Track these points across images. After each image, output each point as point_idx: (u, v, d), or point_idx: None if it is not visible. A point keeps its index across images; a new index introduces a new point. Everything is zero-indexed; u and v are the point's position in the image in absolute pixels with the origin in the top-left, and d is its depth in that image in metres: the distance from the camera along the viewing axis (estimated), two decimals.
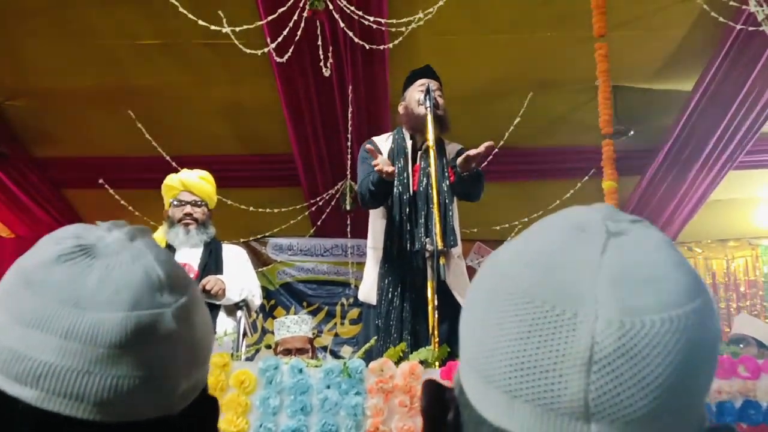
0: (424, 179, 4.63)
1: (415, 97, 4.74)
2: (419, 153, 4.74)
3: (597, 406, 0.75)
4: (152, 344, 1.01)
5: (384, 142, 4.90)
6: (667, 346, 0.77)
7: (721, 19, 6.48)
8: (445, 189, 4.62)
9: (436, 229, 4.29)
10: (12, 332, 1.00)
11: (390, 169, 4.42)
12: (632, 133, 8.55)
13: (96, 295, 1.00)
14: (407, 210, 4.60)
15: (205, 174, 5.36)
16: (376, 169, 4.40)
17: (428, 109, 4.51)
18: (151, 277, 1.03)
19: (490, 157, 4.50)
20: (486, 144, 4.43)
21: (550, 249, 0.82)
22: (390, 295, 4.59)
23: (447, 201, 4.61)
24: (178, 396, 1.05)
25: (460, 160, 4.49)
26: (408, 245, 4.55)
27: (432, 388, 0.90)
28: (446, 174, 4.67)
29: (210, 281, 4.89)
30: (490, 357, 0.80)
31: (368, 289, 4.75)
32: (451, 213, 4.63)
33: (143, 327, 1.00)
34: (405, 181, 4.65)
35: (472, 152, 4.43)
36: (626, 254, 0.80)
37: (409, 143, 4.78)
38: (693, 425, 0.80)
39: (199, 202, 5.24)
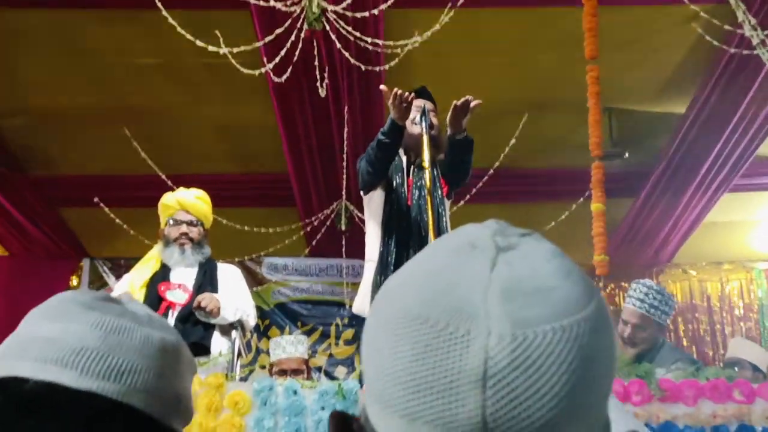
0: (416, 192, 4.69)
1: (410, 116, 4.77)
2: (412, 168, 4.77)
3: (495, 421, 0.75)
4: (189, 366, 1.27)
5: None
6: (560, 356, 0.77)
7: (715, 43, 6.52)
8: (438, 200, 4.64)
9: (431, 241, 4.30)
10: (93, 335, 1.16)
11: (407, 93, 4.45)
12: (627, 155, 8.57)
13: (151, 321, 1.23)
14: (402, 223, 4.62)
15: (201, 194, 5.36)
16: (392, 96, 4.43)
17: (424, 129, 4.53)
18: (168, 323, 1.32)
19: (469, 113, 4.54)
20: (469, 98, 4.51)
21: (440, 269, 0.82)
22: None
23: (441, 211, 4.64)
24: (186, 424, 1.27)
25: (449, 116, 4.56)
26: (403, 257, 4.56)
27: (338, 420, 0.89)
28: (438, 185, 4.69)
29: (206, 298, 4.87)
30: (387, 382, 0.80)
31: (361, 302, 4.76)
32: (445, 222, 4.65)
33: (187, 354, 1.27)
34: (403, 195, 4.68)
35: (458, 102, 4.51)
36: (516, 268, 0.80)
37: (404, 158, 4.81)
38: (595, 431, 0.81)
39: (195, 222, 5.24)
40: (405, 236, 4.63)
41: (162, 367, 1.18)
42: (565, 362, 0.77)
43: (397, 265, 4.58)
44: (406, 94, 4.47)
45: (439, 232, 4.54)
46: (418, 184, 4.69)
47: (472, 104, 4.54)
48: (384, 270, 4.64)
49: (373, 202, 4.81)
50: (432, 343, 0.78)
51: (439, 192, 4.70)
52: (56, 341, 1.14)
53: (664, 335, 5.46)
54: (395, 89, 4.46)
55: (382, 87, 4.65)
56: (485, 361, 0.76)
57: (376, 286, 4.66)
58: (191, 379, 1.28)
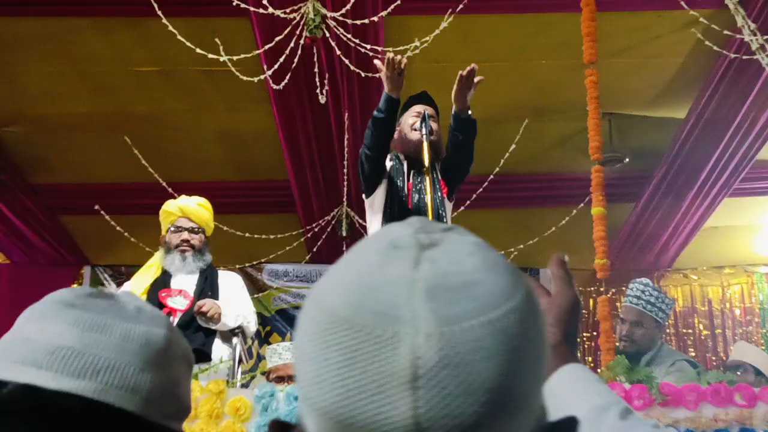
0: (416, 195, 4.71)
1: (409, 122, 4.80)
2: (412, 172, 4.79)
3: (428, 420, 0.75)
4: (181, 360, 1.23)
5: (387, 160, 4.93)
6: (489, 350, 0.77)
7: (715, 48, 6.52)
8: (438, 202, 4.64)
9: None
10: (69, 333, 1.14)
11: (398, 58, 4.48)
12: (627, 160, 8.58)
13: (139, 315, 1.20)
14: None
15: (203, 201, 5.37)
16: (385, 64, 4.46)
17: (424, 135, 4.53)
18: (168, 318, 1.27)
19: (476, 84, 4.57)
20: (474, 66, 4.59)
21: (364, 271, 0.82)
22: None
23: (441, 213, 4.66)
24: (182, 421, 1.24)
25: (455, 90, 4.60)
26: None
27: (276, 428, 0.90)
28: (438, 186, 4.71)
29: (207, 303, 4.88)
30: (319, 388, 0.79)
31: None
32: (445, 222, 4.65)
33: (177, 345, 1.22)
34: (404, 199, 4.69)
35: (464, 72, 4.56)
36: (439, 264, 0.80)
37: (405, 163, 4.81)
38: (530, 422, 0.81)
39: (197, 229, 5.25)
40: None
41: (145, 362, 1.15)
42: (494, 356, 0.77)
43: None
44: (398, 58, 4.48)
45: None
46: (418, 187, 4.72)
47: (476, 79, 4.56)
48: None
49: (375, 205, 4.82)
50: (360, 348, 0.77)
51: (439, 194, 4.72)
52: (34, 342, 1.13)
53: (662, 335, 5.47)
54: (387, 55, 4.48)
55: (377, 62, 4.66)
56: (414, 362, 0.75)
57: None
58: (185, 372, 1.25)
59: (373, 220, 4.85)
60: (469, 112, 4.65)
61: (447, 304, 0.77)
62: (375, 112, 4.61)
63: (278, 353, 6.00)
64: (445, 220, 4.67)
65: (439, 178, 4.79)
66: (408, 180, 4.80)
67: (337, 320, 0.80)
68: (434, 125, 4.73)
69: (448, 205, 4.84)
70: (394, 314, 0.77)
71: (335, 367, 0.78)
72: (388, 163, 4.87)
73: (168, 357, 1.19)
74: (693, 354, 10.76)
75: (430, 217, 4.37)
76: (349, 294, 0.81)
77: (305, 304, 0.87)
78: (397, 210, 4.69)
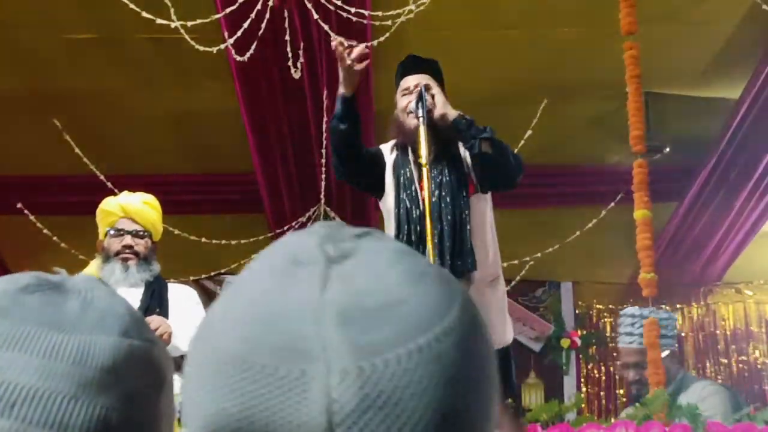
0: (436, 191, 4.61)
1: (402, 104, 4.73)
2: (430, 160, 4.72)
3: None
4: (143, 378, 1.04)
5: (389, 151, 4.89)
6: (421, 383, 0.74)
7: None
8: (462, 203, 4.61)
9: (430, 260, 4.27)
10: None
11: (353, 48, 4.47)
12: (668, 149, 8.59)
13: (80, 319, 1.03)
14: (416, 228, 4.59)
15: (149, 198, 5.37)
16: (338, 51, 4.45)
17: (421, 120, 4.49)
18: (134, 311, 1.08)
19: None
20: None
21: (261, 297, 0.79)
22: None
23: (464, 216, 4.60)
24: None
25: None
26: None
27: None
28: (461, 182, 4.65)
29: (155, 321, 4.87)
30: None
31: None
32: (468, 230, 4.59)
33: (136, 356, 1.04)
34: (413, 194, 4.64)
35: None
36: (353, 282, 0.78)
37: (411, 156, 4.72)
38: None
39: (142, 233, 5.24)
40: (419, 248, 4.54)
41: (79, 386, 1.00)
42: (428, 390, 0.74)
43: None
44: (352, 49, 4.45)
45: (461, 241, 4.52)
46: (438, 180, 4.63)
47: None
48: None
49: (386, 209, 4.81)
50: (261, 394, 0.75)
51: (463, 192, 4.64)
52: None
53: (680, 365, 5.51)
54: (338, 40, 4.47)
55: (333, 43, 4.59)
56: (328, 407, 0.73)
57: None
58: (155, 391, 1.08)
59: (388, 228, 4.83)
60: (458, 119, 4.56)
61: (365, 331, 0.75)
62: (332, 120, 4.61)
63: None
64: (468, 227, 4.59)
65: (467, 166, 4.70)
66: (420, 175, 4.72)
67: (230, 360, 0.77)
68: (439, 98, 4.63)
69: (478, 204, 4.73)
70: (301, 349, 0.75)
71: (231, 420, 0.76)
72: (390, 156, 4.84)
73: (119, 375, 1.02)
74: (747, 385, 10.79)
75: (429, 224, 4.34)
76: (244, 327, 0.78)
77: (195, 334, 0.84)
78: (405, 213, 4.63)
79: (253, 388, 0.75)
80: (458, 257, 4.51)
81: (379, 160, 4.83)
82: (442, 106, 4.54)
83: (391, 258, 0.81)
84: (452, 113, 4.53)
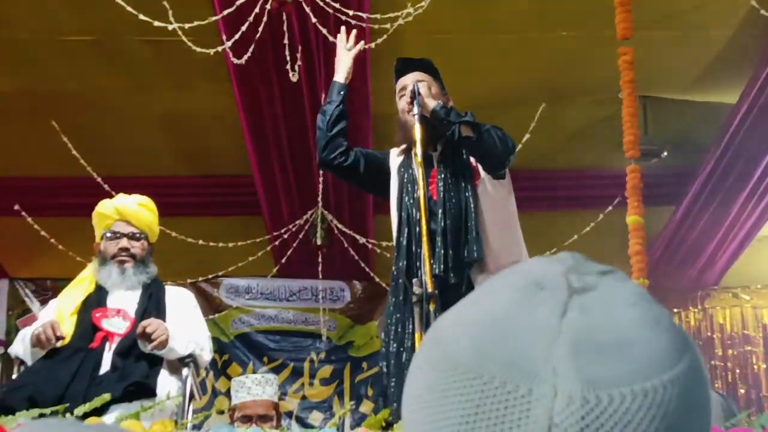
0: (442, 187, 4.62)
1: (401, 105, 4.76)
2: (437, 155, 4.73)
3: None
4: None
5: (397, 154, 4.90)
6: (641, 425, 0.76)
7: None
8: (467, 194, 4.59)
9: (425, 267, 4.26)
10: None
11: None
12: (665, 154, 8.61)
13: None
14: (417, 230, 4.55)
15: (144, 200, 5.36)
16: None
17: (416, 116, 4.50)
18: None
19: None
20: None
21: (499, 313, 0.81)
22: (395, 337, 4.58)
23: (469, 205, 4.58)
24: None
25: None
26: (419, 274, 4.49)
27: None
28: (466, 173, 4.65)
29: (152, 323, 4.85)
30: None
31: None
32: (473, 218, 4.56)
33: None
34: (416, 196, 4.58)
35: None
36: (591, 315, 0.79)
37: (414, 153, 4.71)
38: None
39: (138, 235, 5.24)
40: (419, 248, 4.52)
41: None
42: None
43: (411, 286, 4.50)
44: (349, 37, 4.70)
45: (466, 229, 4.51)
46: (442, 175, 4.64)
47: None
48: (397, 292, 4.59)
49: (391, 211, 4.82)
50: (486, 403, 0.77)
51: (468, 182, 4.63)
52: None
53: None
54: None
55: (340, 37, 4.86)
56: (549, 428, 0.75)
57: (390, 312, 4.66)
58: None
59: (395, 231, 4.85)
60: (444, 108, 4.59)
61: (595, 364, 0.77)
62: (324, 105, 4.76)
63: (246, 387, 6.02)
64: (471, 223, 4.56)
65: (467, 159, 4.69)
66: (432, 166, 4.71)
67: (461, 367, 0.79)
68: (422, 89, 4.61)
69: (488, 197, 4.69)
70: (531, 369, 0.77)
71: (455, 421, 0.78)
72: (397, 159, 4.84)
73: None
74: (743, 391, 10.79)
75: (424, 230, 4.32)
76: (478, 338, 0.80)
77: (424, 341, 0.87)
78: (407, 216, 4.61)
79: (479, 397, 0.77)
80: (464, 246, 4.50)
81: (377, 161, 4.85)
82: (425, 99, 4.55)
83: (630, 299, 0.82)
84: (431, 103, 4.54)
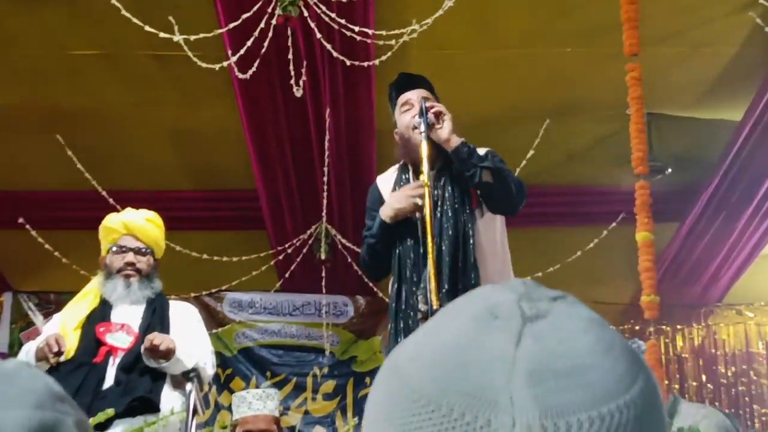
0: (438, 206, 4.47)
1: (405, 121, 4.57)
2: (432, 174, 4.58)
3: None
4: None
5: (388, 178, 4.79)
6: None
7: None
8: (466, 218, 4.44)
9: (431, 285, 4.20)
10: None
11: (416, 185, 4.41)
12: (670, 170, 8.60)
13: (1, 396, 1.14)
14: (414, 249, 4.45)
15: (152, 215, 5.37)
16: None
17: (423, 134, 4.34)
18: (53, 388, 1.20)
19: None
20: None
21: (455, 343, 0.82)
22: None
23: (468, 231, 4.44)
24: None
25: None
26: (415, 298, 4.43)
27: None
28: (465, 197, 4.49)
29: (158, 336, 4.84)
30: None
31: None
32: (471, 245, 4.43)
33: (48, 426, 1.14)
34: (414, 218, 4.45)
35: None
36: (545, 342, 0.80)
37: (411, 172, 4.60)
38: None
39: (144, 250, 5.24)
40: (418, 268, 4.45)
41: None
42: None
43: (409, 307, 4.45)
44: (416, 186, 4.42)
45: (464, 256, 4.42)
46: (438, 194, 4.49)
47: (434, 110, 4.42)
48: (398, 315, 4.50)
49: None
50: None
51: (466, 206, 4.50)
52: None
53: (666, 391, 5.45)
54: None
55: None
56: None
57: (395, 334, 4.55)
58: None
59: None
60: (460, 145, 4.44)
61: (552, 392, 0.77)
62: (369, 239, 4.59)
63: (247, 402, 6.01)
64: (472, 243, 4.42)
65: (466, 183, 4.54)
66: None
67: (419, 399, 0.80)
68: (446, 122, 4.42)
69: (483, 222, 4.56)
70: (489, 398, 0.77)
71: None
72: (392, 175, 4.77)
73: None
74: (749, 409, 10.76)
75: (430, 237, 4.26)
76: (434, 370, 0.81)
77: (380, 373, 0.87)
78: (403, 231, 4.53)
79: (438, 429, 0.78)
80: (462, 274, 4.39)
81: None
82: (448, 131, 4.43)
83: (583, 325, 0.83)
84: (455, 140, 4.37)
